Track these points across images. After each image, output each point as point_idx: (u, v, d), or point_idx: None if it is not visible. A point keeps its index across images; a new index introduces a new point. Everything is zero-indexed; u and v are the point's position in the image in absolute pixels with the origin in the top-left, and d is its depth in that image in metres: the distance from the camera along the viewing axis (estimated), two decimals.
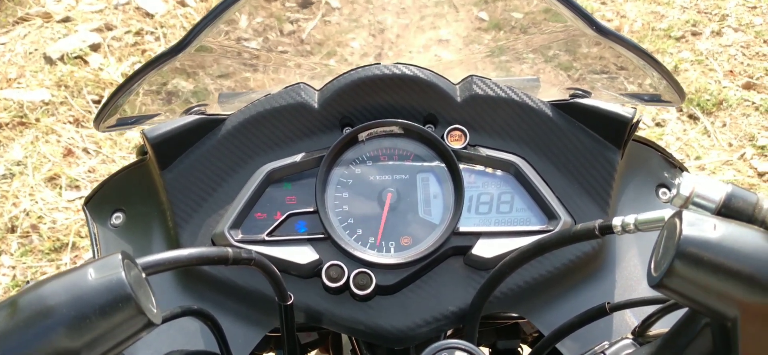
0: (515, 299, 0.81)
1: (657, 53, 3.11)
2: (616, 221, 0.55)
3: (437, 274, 0.81)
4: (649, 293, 0.61)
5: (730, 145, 2.74)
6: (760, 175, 2.62)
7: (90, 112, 2.79)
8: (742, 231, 0.44)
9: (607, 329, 0.77)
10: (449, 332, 0.89)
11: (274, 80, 1.07)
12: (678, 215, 0.45)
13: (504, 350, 1.00)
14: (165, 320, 0.64)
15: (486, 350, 1.12)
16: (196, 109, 0.88)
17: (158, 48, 3.17)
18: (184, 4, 3.41)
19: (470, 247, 0.79)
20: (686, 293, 0.45)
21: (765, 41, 3.15)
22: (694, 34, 3.23)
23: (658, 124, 2.84)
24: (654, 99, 0.88)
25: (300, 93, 0.84)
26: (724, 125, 2.80)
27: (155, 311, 0.48)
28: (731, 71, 3.02)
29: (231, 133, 0.83)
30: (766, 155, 2.67)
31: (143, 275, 0.49)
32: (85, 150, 2.66)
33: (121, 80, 2.37)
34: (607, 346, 0.59)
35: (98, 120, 0.86)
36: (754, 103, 2.86)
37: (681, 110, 2.87)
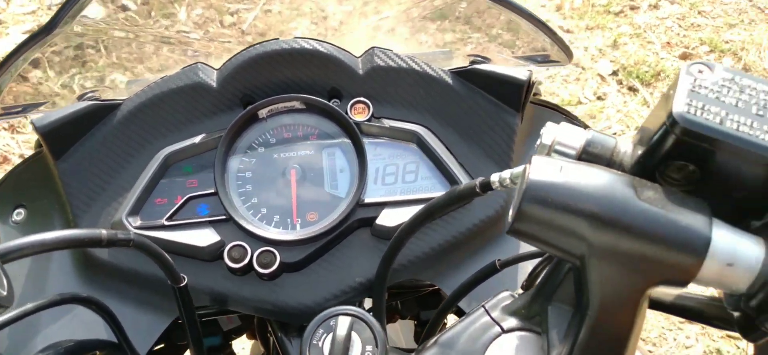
0: (422, 265, 0.81)
1: (597, 29, 3.16)
2: (495, 177, 0.56)
3: (345, 247, 0.81)
4: None
5: None
6: None
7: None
8: (589, 171, 0.45)
9: (511, 286, 0.78)
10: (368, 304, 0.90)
11: (176, 62, 1.05)
12: (530, 161, 0.46)
13: (428, 321, 1.00)
14: (42, 308, 0.62)
15: (411, 322, 1.13)
16: (89, 95, 0.85)
17: (99, 60, 3.09)
18: (125, 9, 3.33)
19: (376, 217, 0.79)
20: (537, 235, 0.45)
21: (699, 12, 3.22)
22: (632, 8, 3.29)
23: (599, 98, 2.89)
24: (545, 60, 0.89)
25: (197, 73, 0.83)
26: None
27: (5, 293, 0.46)
28: (668, 43, 3.09)
29: (126, 117, 0.81)
30: None
31: None
32: (21, 156, 2.58)
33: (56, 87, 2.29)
34: (488, 300, 0.59)
35: None
36: None
37: (621, 83, 2.92)
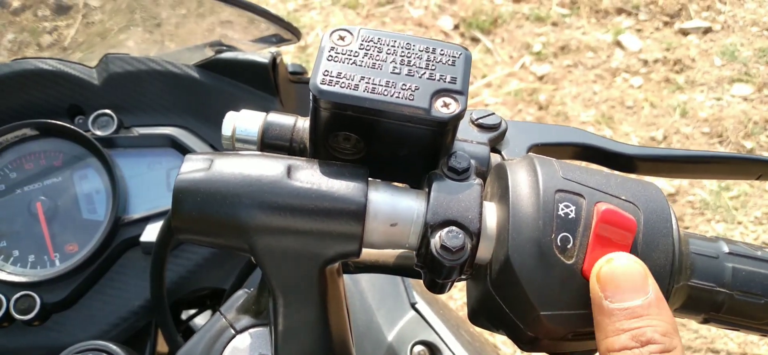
0: (205, 272, 0.77)
1: None
2: None
3: (116, 273, 0.76)
4: None
5: (511, 57, 2.91)
6: (540, 78, 2.81)
7: None
8: (239, 161, 0.42)
9: None
10: None
11: None
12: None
13: None
14: None
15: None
16: None
17: None
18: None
19: (140, 234, 0.75)
20: (199, 237, 0.42)
21: None
22: None
23: None
24: (280, 40, 0.88)
25: None
26: (503, 40, 2.97)
27: None
28: None
29: None
30: (541, 59, 2.87)
31: None
32: None
33: None
34: (225, 303, 0.57)
35: None
36: (524, 14, 3.05)
37: (463, 35, 2.99)
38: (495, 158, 0.49)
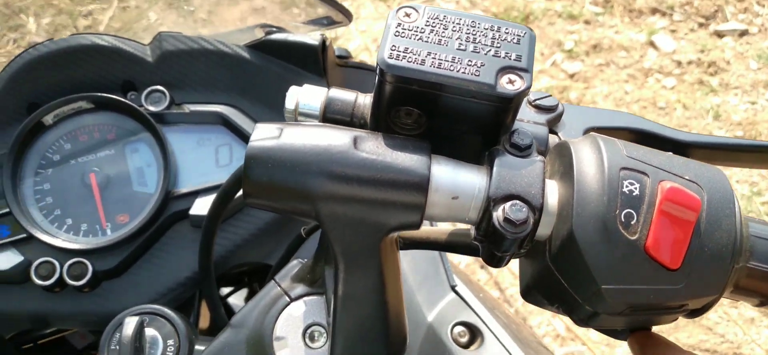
0: (250, 247, 0.79)
1: None
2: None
3: (164, 244, 0.78)
4: None
5: (542, 54, 2.89)
6: (571, 76, 2.79)
7: None
8: (308, 130, 0.43)
9: None
10: None
11: None
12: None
13: None
14: None
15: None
16: None
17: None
18: None
19: (189, 208, 0.77)
20: (268, 202, 0.44)
21: None
22: None
23: None
24: (330, 22, 0.89)
25: None
26: None
27: None
28: None
29: None
30: (573, 57, 2.85)
31: None
32: None
33: None
34: (280, 272, 0.59)
35: None
36: (557, 11, 3.04)
37: None
38: (552, 139, 0.50)
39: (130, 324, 0.57)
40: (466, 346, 0.73)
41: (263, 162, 0.42)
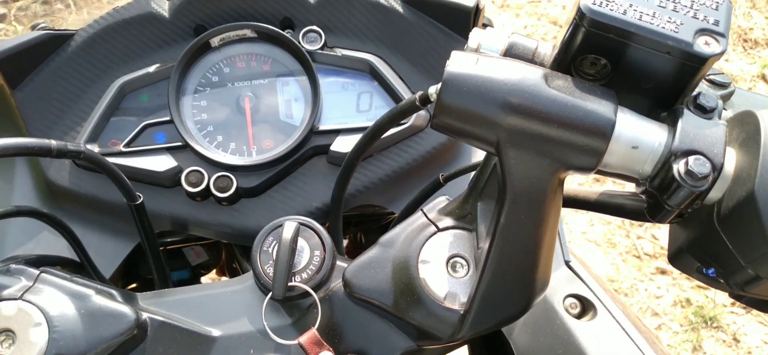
0: (376, 191, 0.84)
1: None
2: (432, 89, 0.58)
3: (301, 173, 0.83)
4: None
5: None
6: None
7: None
8: (503, 63, 0.47)
9: None
10: None
11: None
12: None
13: None
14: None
15: None
16: (42, 25, 0.86)
17: (68, 16, 3.06)
18: None
19: (330, 144, 0.81)
20: (456, 126, 0.47)
21: None
22: None
23: None
24: None
25: (149, 3, 0.84)
26: None
27: None
28: None
29: (80, 47, 0.82)
30: None
31: None
32: None
33: None
34: (426, 204, 0.62)
35: None
36: None
37: None
38: (725, 114, 0.51)
39: (290, 227, 0.62)
40: (577, 317, 0.75)
41: (459, 86, 0.46)
